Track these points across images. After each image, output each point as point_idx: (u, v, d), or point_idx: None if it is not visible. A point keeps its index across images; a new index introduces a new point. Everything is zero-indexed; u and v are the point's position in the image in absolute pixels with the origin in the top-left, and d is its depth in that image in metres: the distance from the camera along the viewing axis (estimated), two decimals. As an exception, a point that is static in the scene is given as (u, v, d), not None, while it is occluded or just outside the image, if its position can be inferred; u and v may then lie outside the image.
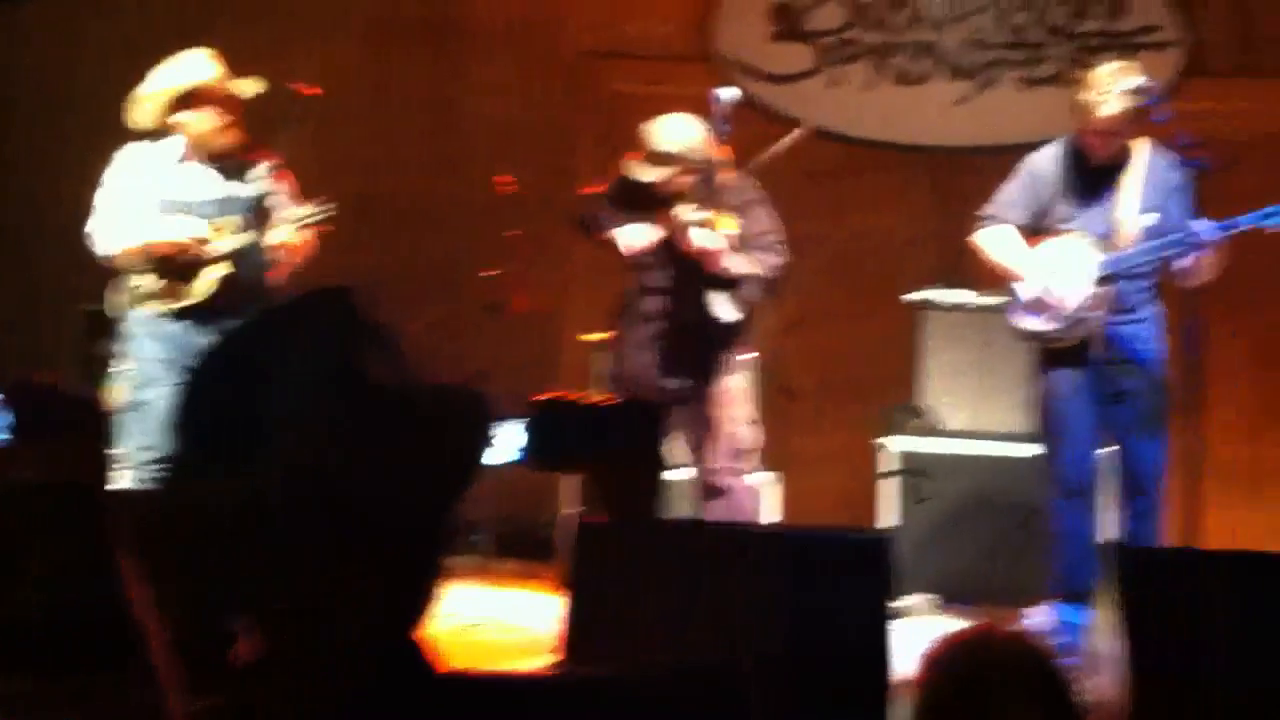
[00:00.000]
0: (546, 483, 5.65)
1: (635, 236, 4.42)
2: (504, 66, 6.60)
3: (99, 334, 4.78)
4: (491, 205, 5.59)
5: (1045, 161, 4.47)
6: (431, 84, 6.63)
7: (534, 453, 1.10)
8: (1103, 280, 4.34)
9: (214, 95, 4.41)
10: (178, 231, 4.38)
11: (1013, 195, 4.49)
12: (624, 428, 1.03)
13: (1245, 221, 4.17)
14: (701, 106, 4.43)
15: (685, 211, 4.32)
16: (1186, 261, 4.24)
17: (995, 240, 4.49)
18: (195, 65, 4.43)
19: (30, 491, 1.52)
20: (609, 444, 1.06)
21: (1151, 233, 4.32)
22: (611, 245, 4.49)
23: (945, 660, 1.52)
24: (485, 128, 6.55)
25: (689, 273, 4.39)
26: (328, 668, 1.09)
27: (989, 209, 4.53)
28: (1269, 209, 4.16)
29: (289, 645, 1.10)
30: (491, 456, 1.48)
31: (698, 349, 4.40)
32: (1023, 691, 1.47)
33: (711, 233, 4.28)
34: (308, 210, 4.49)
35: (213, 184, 4.50)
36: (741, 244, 4.38)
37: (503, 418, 1.28)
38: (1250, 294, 6.09)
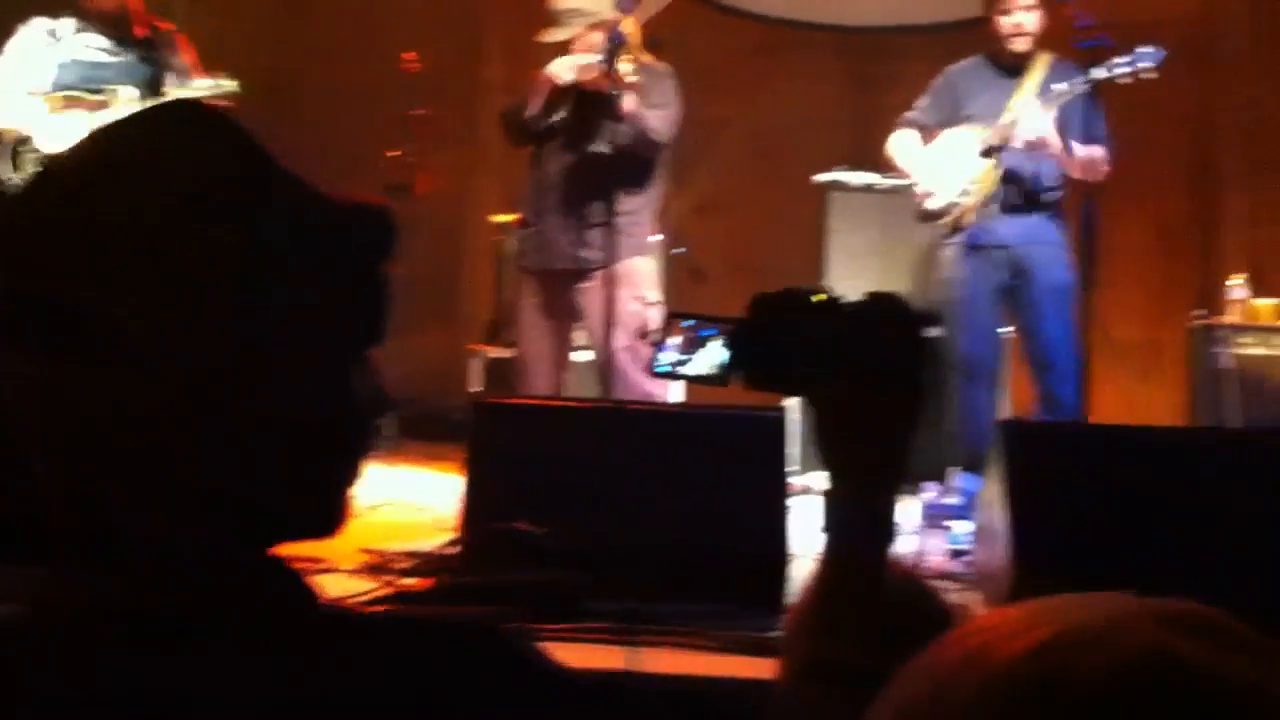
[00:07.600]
0: (454, 363, 5.61)
1: (564, 63, 4.34)
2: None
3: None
4: (397, 84, 5.48)
5: (959, 71, 4.73)
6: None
7: (749, 366, 0.82)
8: (985, 154, 4.48)
9: None
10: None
11: (926, 102, 4.75)
12: (880, 338, 0.78)
13: (1097, 71, 4.23)
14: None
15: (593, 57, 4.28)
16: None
17: (897, 143, 4.76)
18: None
19: None
20: (861, 361, 0.79)
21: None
22: (540, 101, 4.37)
23: None
24: (392, 6, 6.40)
25: (595, 124, 4.34)
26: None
27: (905, 115, 4.77)
28: (1114, 60, 4.20)
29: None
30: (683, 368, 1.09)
31: (607, 219, 4.35)
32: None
33: (622, 64, 4.25)
34: (207, 83, 4.52)
35: (109, 53, 4.51)
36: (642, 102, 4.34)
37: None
38: (1152, 179, 6.15)
